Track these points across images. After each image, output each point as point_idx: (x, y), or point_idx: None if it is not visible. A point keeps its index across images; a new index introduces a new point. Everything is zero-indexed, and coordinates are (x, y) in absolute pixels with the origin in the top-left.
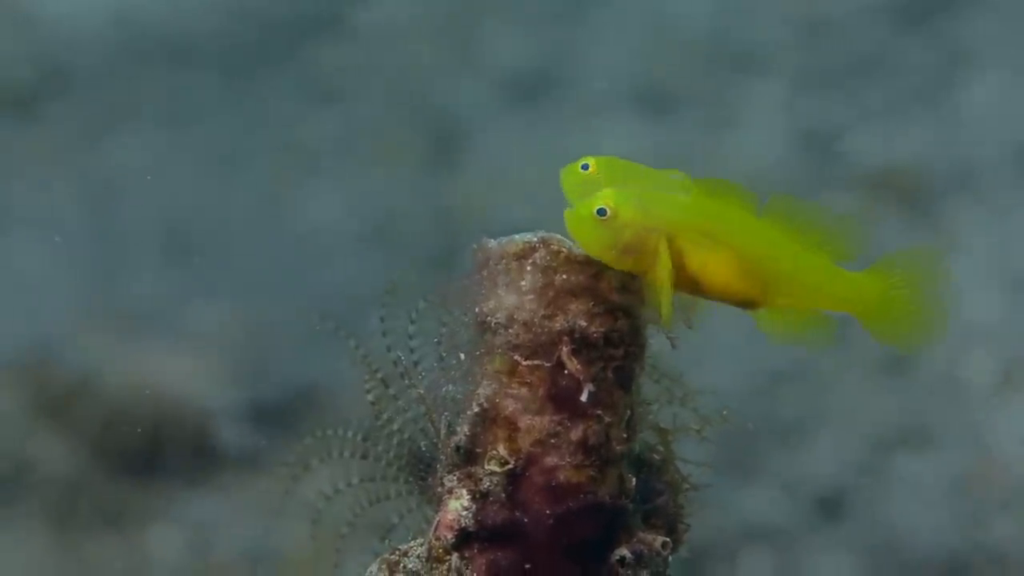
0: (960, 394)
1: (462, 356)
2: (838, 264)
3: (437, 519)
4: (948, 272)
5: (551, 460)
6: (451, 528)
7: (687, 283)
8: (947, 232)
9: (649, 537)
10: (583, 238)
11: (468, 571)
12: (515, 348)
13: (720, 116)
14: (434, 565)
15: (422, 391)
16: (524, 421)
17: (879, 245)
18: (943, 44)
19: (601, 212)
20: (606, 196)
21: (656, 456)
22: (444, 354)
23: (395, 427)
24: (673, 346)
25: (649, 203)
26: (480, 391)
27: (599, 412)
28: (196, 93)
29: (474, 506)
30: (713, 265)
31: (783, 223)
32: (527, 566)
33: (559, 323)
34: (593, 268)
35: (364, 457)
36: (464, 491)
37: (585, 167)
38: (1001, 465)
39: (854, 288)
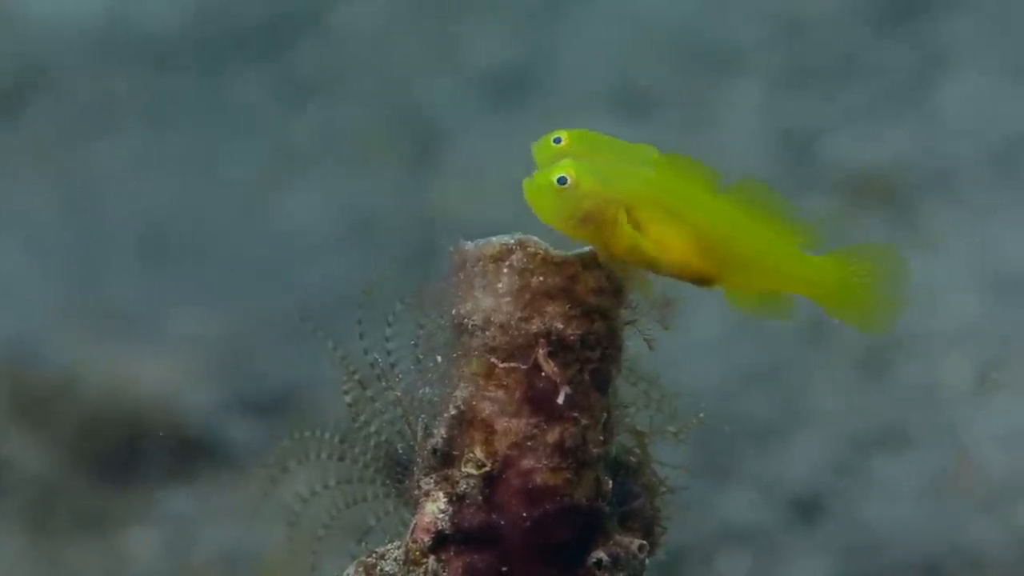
0: (937, 395)
1: (439, 358)
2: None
3: (414, 522)
4: (906, 270)
5: (528, 463)
6: (428, 531)
7: (644, 257)
8: (926, 233)
9: (626, 540)
10: (541, 207)
11: (445, 574)
12: (492, 350)
13: (698, 117)
14: (411, 568)
15: (399, 393)
16: (501, 424)
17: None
18: (922, 45)
19: (561, 181)
20: (566, 166)
21: (633, 459)
22: (421, 356)
23: (372, 429)
24: (650, 348)
25: (610, 175)
26: (457, 393)
27: (576, 415)
28: (176, 94)
29: (451, 509)
30: (671, 240)
31: (746, 204)
32: (503, 569)
33: (536, 325)
34: (570, 270)
35: (341, 459)
36: (441, 494)
37: (558, 140)
38: (978, 467)
39: (812, 270)
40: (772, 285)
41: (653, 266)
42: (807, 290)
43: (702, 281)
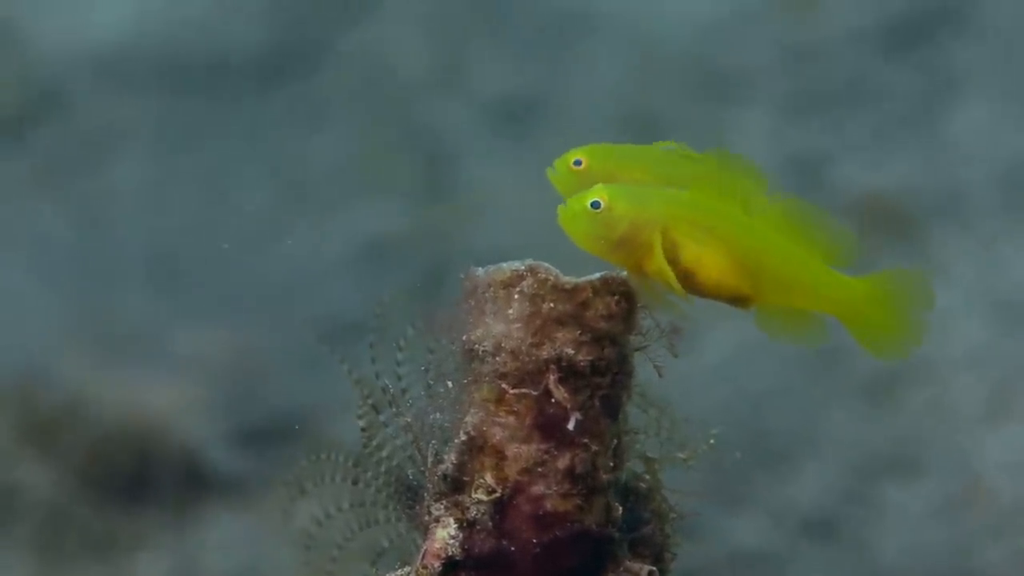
0: (947, 420)
1: (450, 384)
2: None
3: (424, 547)
4: (932, 295)
5: (538, 489)
6: (438, 557)
7: (680, 278)
8: (934, 258)
9: (636, 566)
10: (576, 232)
11: None
12: (502, 376)
13: (707, 143)
14: None
15: (409, 419)
16: (511, 449)
17: (866, 271)
18: (930, 71)
19: (595, 205)
20: (599, 190)
21: (643, 484)
22: (432, 382)
23: (384, 454)
24: (660, 375)
25: (643, 197)
26: (467, 419)
27: (586, 441)
28: (185, 118)
29: (461, 535)
30: (707, 259)
31: (779, 221)
32: None
33: (546, 351)
34: (581, 297)
35: (355, 483)
36: (451, 519)
37: (578, 163)
38: (988, 492)
39: (844, 291)
40: (805, 304)
41: (689, 286)
42: (838, 310)
43: (737, 301)
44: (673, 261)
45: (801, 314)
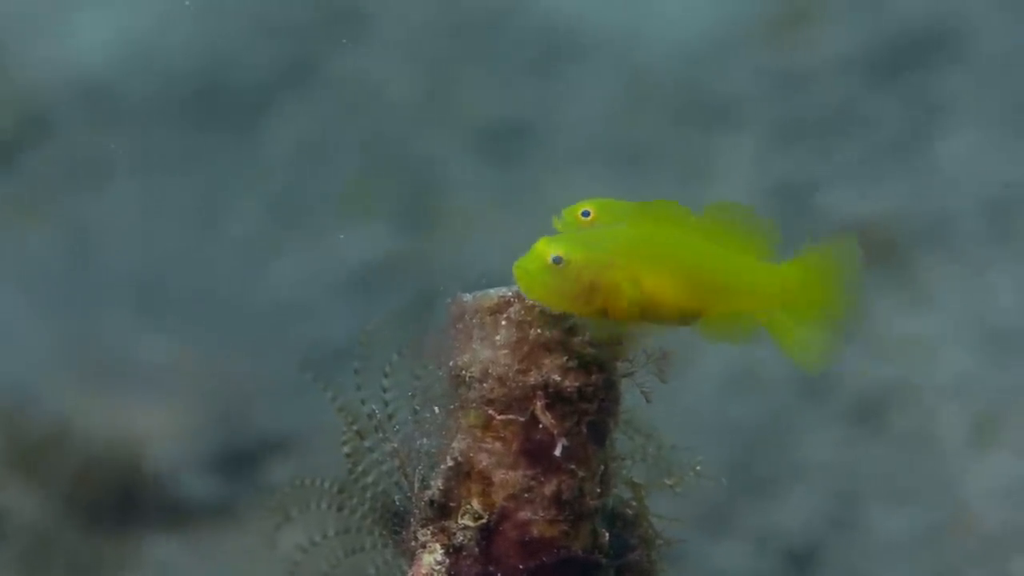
0: (933, 448)
1: (436, 410)
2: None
3: (410, 573)
4: (859, 260)
5: (524, 514)
6: None
7: (648, 309)
8: (922, 286)
9: None
10: (541, 293)
11: None
12: (489, 402)
13: (695, 170)
14: None
15: (396, 444)
16: (498, 475)
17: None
18: (918, 98)
19: (557, 260)
20: (550, 244)
21: (629, 511)
22: (418, 407)
23: (369, 480)
24: (647, 400)
25: (592, 241)
26: (454, 445)
27: (573, 467)
28: (172, 144)
29: (447, 560)
30: (665, 286)
31: (708, 230)
32: None
33: (533, 378)
34: (567, 323)
35: (340, 509)
36: (438, 545)
37: (586, 213)
38: (974, 519)
39: (778, 279)
40: (748, 306)
41: (653, 317)
42: (775, 301)
43: (687, 319)
44: (638, 297)
45: (740, 317)
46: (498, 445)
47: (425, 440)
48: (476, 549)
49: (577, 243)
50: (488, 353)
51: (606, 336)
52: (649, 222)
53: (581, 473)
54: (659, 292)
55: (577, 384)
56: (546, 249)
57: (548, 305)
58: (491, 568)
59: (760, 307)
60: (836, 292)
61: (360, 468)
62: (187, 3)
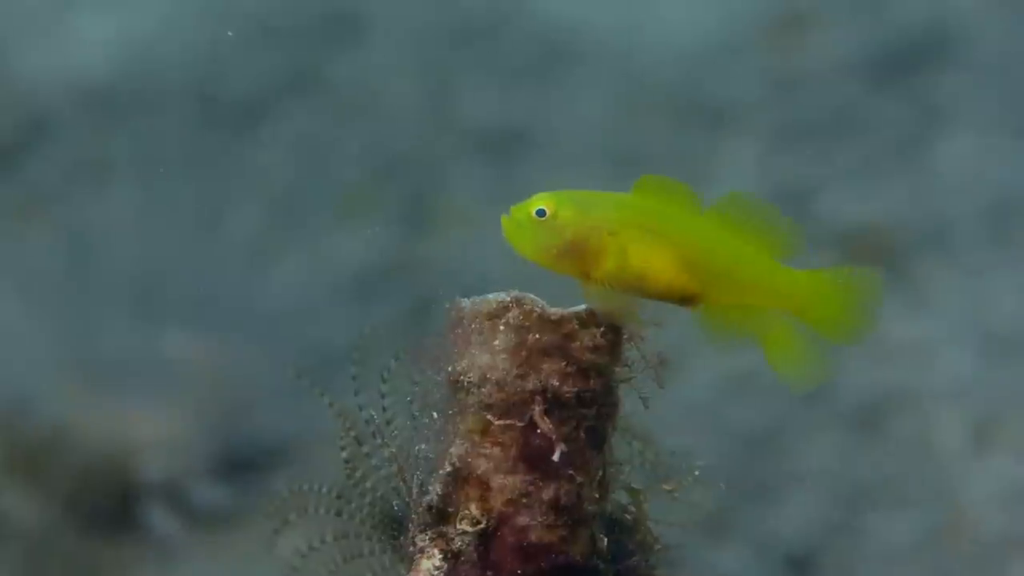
0: (931, 453)
1: (435, 415)
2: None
3: None
4: (880, 296)
5: (523, 520)
6: None
7: (632, 280)
8: (920, 290)
9: None
10: (521, 241)
11: None
12: (488, 407)
13: (694, 174)
14: None
15: (394, 449)
16: (496, 481)
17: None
18: (917, 103)
19: (540, 213)
20: (543, 198)
21: (628, 516)
22: (417, 413)
23: (368, 485)
24: (646, 406)
25: (589, 202)
26: (452, 450)
27: (571, 472)
28: (171, 147)
29: (446, 565)
30: (656, 261)
31: (726, 219)
32: None
33: (532, 383)
34: (566, 328)
35: (339, 514)
36: (436, 550)
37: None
38: (973, 524)
39: (791, 283)
40: (753, 300)
41: (639, 289)
42: (784, 302)
43: (685, 300)
44: (622, 265)
45: (745, 310)
46: (496, 450)
47: (423, 445)
48: (474, 554)
49: (569, 201)
50: (486, 358)
51: (605, 305)
52: (654, 195)
53: (579, 478)
54: (650, 267)
55: (575, 389)
56: (537, 201)
57: (527, 256)
58: (489, 573)
59: (769, 304)
60: (852, 315)
61: (359, 473)
62: (230, 34)
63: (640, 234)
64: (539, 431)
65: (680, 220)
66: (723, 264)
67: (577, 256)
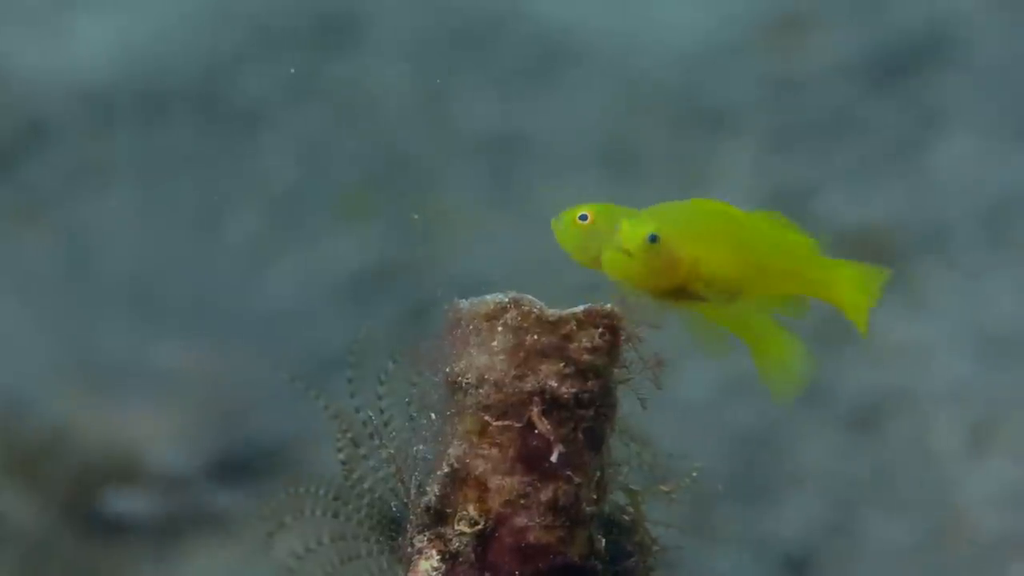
0: (928, 455)
1: (432, 416)
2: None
3: None
4: (881, 292)
5: (521, 521)
6: None
7: (715, 285)
8: (918, 292)
9: None
10: (635, 274)
11: None
12: (485, 408)
13: (691, 176)
14: None
15: (392, 451)
16: (494, 482)
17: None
18: (914, 104)
19: (653, 239)
20: (643, 222)
21: (626, 517)
22: (414, 414)
23: (365, 486)
24: (644, 407)
25: (666, 216)
26: (450, 451)
27: (569, 473)
28: (169, 151)
29: (444, 567)
30: (723, 262)
31: (764, 219)
32: None
33: (530, 384)
34: (564, 329)
35: (335, 516)
36: (434, 552)
37: (583, 217)
38: (971, 525)
39: (833, 270)
40: (794, 289)
41: (715, 291)
42: (824, 291)
43: (733, 296)
44: (708, 274)
45: (782, 299)
46: (494, 451)
47: (421, 446)
48: (472, 555)
49: (657, 219)
50: (484, 359)
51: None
52: (702, 205)
53: (577, 479)
54: (720, 267)
55: (574, 390)
56: (639, 230)
57: (641, 284)
58: (487, 574)
59: (808, 294)
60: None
61: (356, 475)
62: (292, 71)
63: (711, 237)
64: (537, 432)
65: (736, 219)
66: (773, 259)
67: (671, 275)
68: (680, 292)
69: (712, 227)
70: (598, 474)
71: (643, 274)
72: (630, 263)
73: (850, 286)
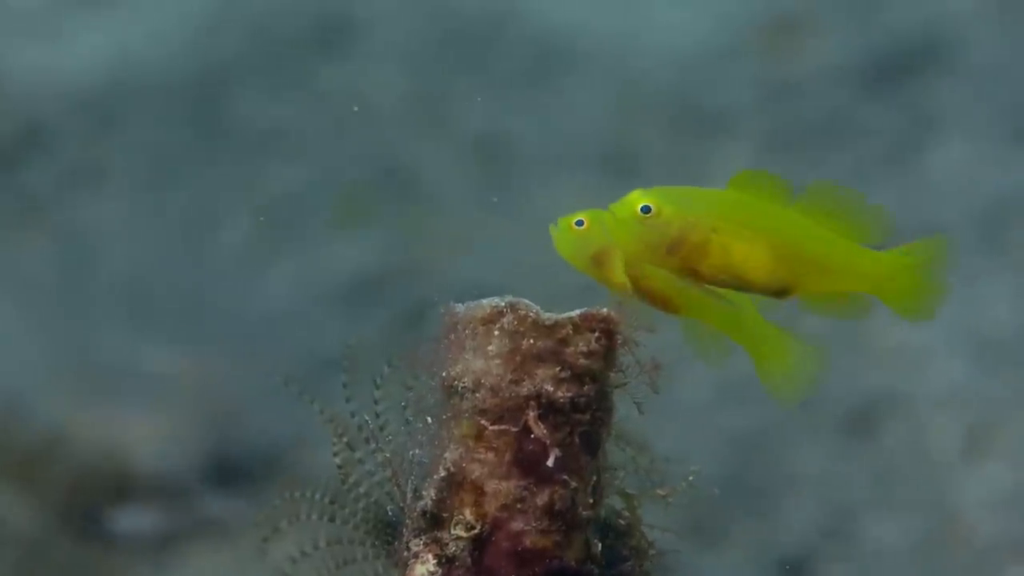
0: (926, 458)
1: (429, 420)
2: (865, 246)
3: None
4: (951, 257)
5: (517, 525)
6: None
7: (731, 276)
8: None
9: None
10: (627, 240)
11: None
12: (482, 413)
13: (688, 179)
14: None
15: (388, 455)
16: (490, 486)
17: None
18: (910, 108)
19: (645, 210)
20: (645, 195)
21: (622, 521)
22: (411, 418)
23: (361, 490)
24: (640, 411)
25: (689, 198)
26: (447, 455)
27: (565, 477)
28: (165, 154)
29: (440, 571)
30: (754, 256)
31: (814, 209)
32: None
33: (526, 388)
34: (560, 333)
35: (332, 520)
36: (430, 556)
37: (580, 223)
38: (966, 529)
39: (874, 265)
40: (842, 286)
41: (738, 284)
42: (870, 285)
43: (780, 292)
44: (724, 261)
45: (840, 295)
46: (491, 455)
47: (417, 451)
48: (468, 559)
49: (669, 197)
50: (480, 363)
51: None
52: (747, 191)
53: (574, 484)
54: (749, 262)
55: (570, 395)
56: (638, 199)
57: (631, 255)
58: None
59: (856, 288)
60: (928, 285)
61: (352, 479)
62: (355, 109)
63: (739, 229)
64: (533, 436)
65: (773, 214)
66: (813, 255)
67: (681, 254)
68: (699, 277)
69: (738, 215)
70: (594, 478)
71: (634, 245)
72: (619, 231)
73: (908, 277)
